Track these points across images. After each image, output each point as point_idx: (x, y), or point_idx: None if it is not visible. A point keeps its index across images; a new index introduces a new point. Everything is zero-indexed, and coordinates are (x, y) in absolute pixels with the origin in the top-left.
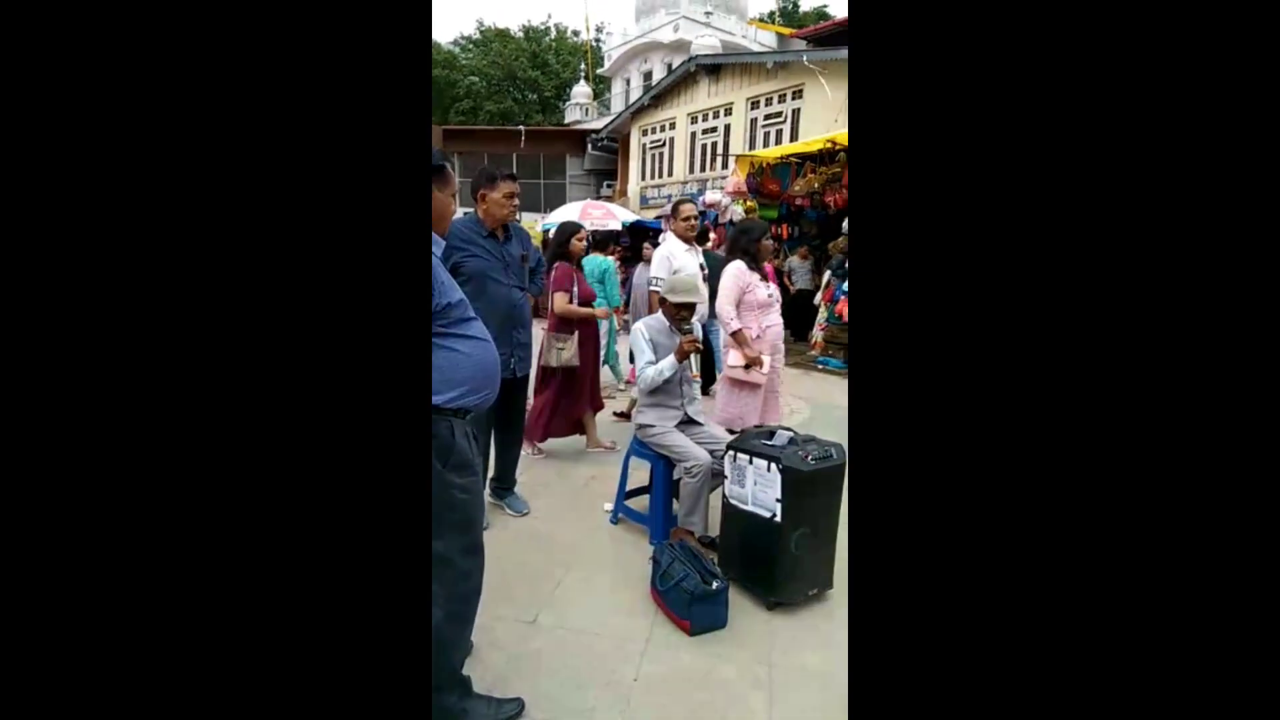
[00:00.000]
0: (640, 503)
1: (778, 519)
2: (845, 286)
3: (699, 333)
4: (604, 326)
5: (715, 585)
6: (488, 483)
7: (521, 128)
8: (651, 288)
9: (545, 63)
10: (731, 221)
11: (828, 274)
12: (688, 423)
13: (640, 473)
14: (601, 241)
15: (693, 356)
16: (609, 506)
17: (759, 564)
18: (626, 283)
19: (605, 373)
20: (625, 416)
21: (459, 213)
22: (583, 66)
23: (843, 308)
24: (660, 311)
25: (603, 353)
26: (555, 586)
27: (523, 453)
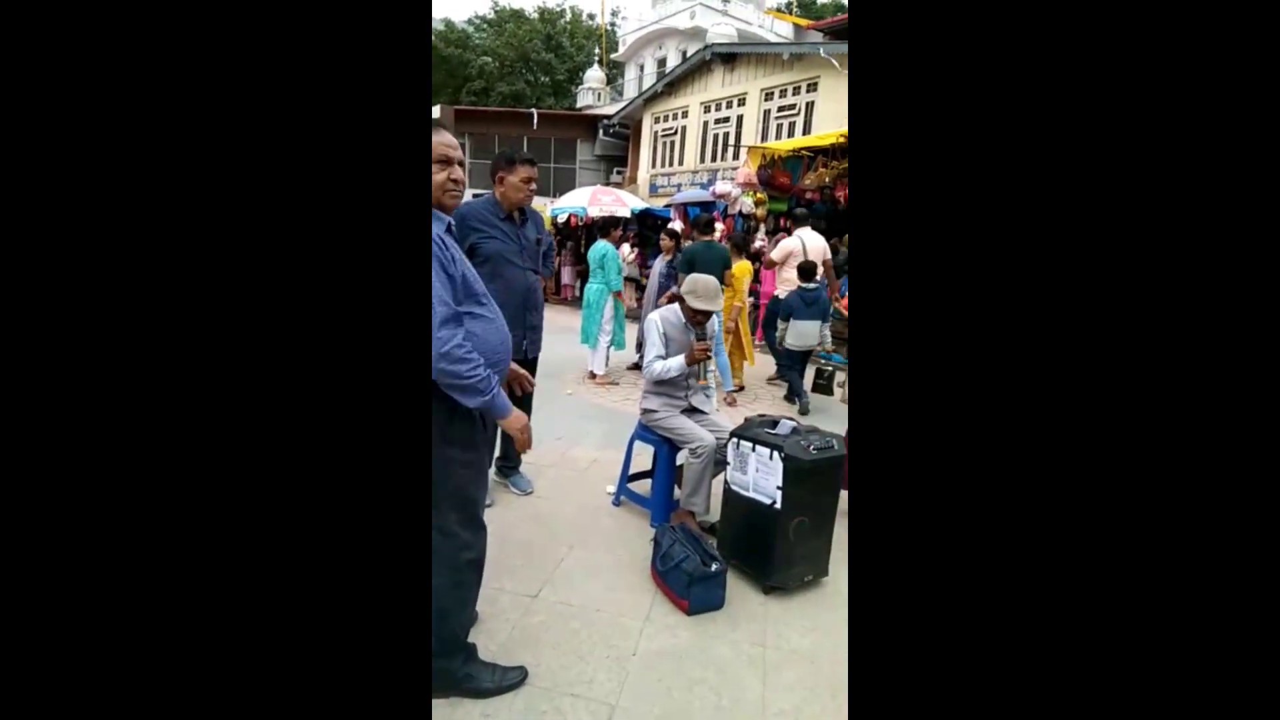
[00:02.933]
0: (642, 486)
1: (777, 506)
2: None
3: (716, 328)
4: (607, 312)
5: (714, 568)
6: (494, 461)
7: (533, 110)
8: None
9: (559, 45)
10: (741, 213)
11: None
12: (691, 411)
13: (642, 458)
14: (605, 226)
15: (704, 363)
16: (611, 489)
17: (757, 549)
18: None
19: (615, 356)
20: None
21: (468, 194)
22: (597, 51)
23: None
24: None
25: (607, 337)
26: (558, 563)
27: None
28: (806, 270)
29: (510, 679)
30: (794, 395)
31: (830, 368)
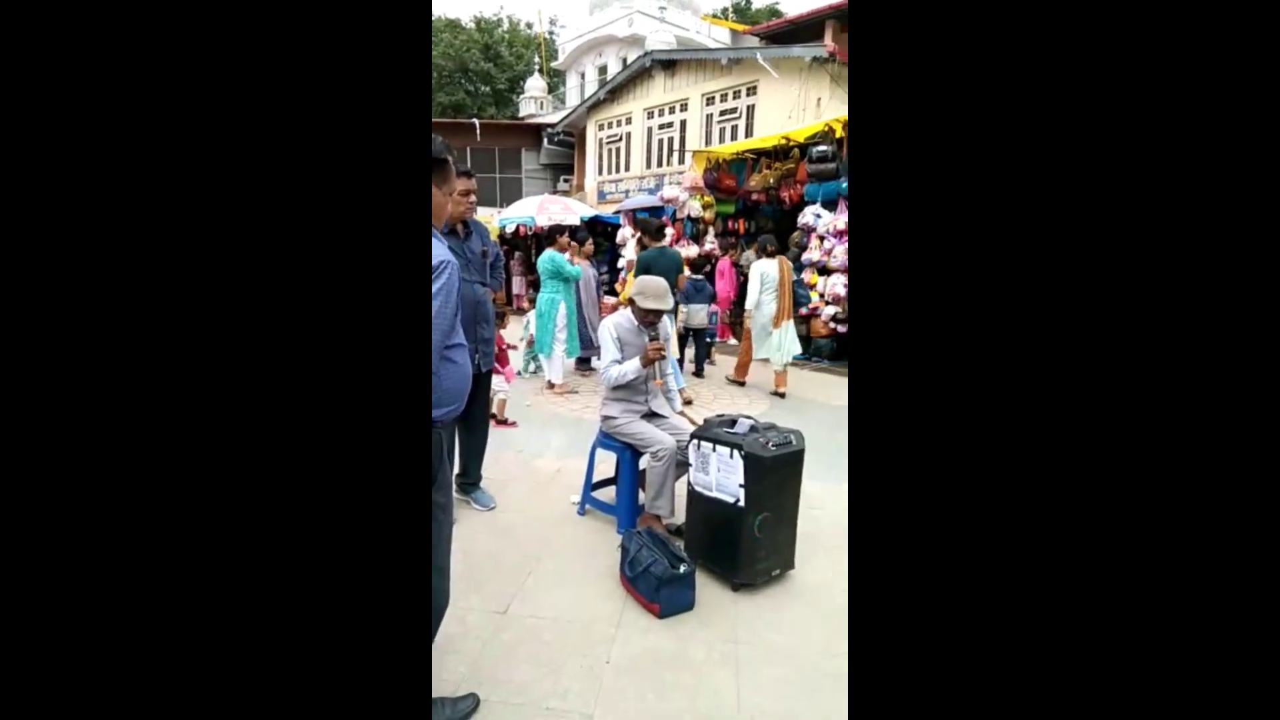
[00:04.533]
0: (607, 494)
1: (741, 504)
2: (803, 277)
3: (668, 329)
4: (560, 320)
5: (683, 569)
6: (454, 479)
7: (476, 120)
8: None
9: (498, 55)
10: (689, 217)
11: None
12: (651, 415)
13: (605, 465)
14: (550, 235)
15: (659, 363)
16: (576, 498)
17: (724, 547)
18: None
19: (571, 365)
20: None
21: None
22: (536, 59)
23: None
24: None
25: (562, 346)
26: (526, 577)
27: None
28: (696, 264)
29: (462, 709)
30: (696, 363)
31: (711, 342)
